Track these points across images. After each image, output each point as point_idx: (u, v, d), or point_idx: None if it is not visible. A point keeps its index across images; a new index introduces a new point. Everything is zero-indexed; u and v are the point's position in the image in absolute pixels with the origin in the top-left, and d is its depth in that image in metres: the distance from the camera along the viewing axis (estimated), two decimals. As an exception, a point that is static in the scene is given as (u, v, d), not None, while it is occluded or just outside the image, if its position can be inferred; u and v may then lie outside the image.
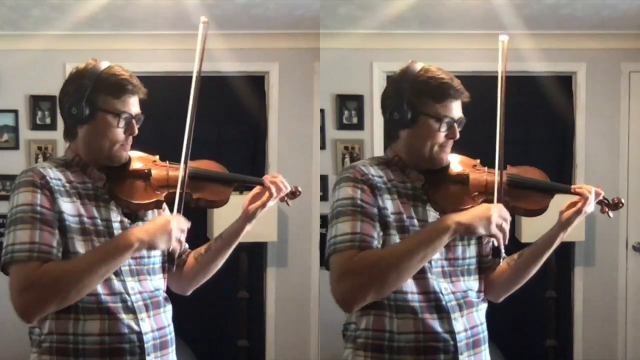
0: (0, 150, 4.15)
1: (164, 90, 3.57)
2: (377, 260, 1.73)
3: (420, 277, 1.80)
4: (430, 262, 1.81)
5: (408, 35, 4.13)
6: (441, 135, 1.85)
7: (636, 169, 4.28)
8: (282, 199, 1.99)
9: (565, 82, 4.27)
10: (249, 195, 1.98)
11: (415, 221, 1.83)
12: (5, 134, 4.16)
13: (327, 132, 4.23)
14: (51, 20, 3.87)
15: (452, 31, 4.10)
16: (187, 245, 2.07)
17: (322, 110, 4.19)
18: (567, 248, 4.19)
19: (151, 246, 1.75)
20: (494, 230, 1.75)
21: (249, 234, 2.00)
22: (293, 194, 2.00)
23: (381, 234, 1.79)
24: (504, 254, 1.94)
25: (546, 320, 4.20)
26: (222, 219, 3.59)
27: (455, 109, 1.86)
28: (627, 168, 4.28)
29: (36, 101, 4.15)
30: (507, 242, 1.80)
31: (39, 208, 1.72)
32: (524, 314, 4.28)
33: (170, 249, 1.80)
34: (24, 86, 4.16)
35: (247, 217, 1.95)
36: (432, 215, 1.86)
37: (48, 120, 4.16)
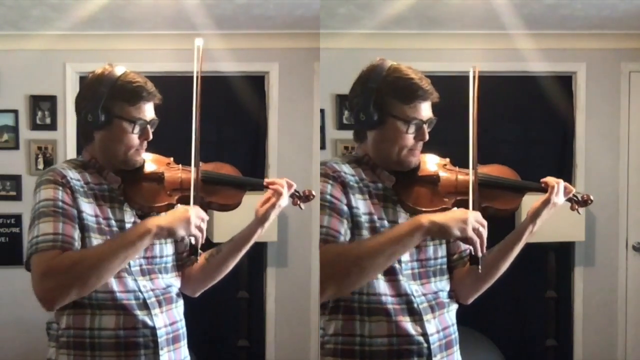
0: (0, 150, 4.16)
1: (164, 90, 3.54)
2: None
3: (392, 279, 1.77)
4: (400, 264, 1.78)
5: (408, 35, 4.12)
6: (409, 138, 1.81)
7: (636, 169, 4.28)
8: (294, 203, 1.98)
9: (565, 82, 4.27)
10: (262, 199, 1.97)
11: (386, 222, 1.79)
12: (5, 134, 4.16)
13: (327, 132, 4.23)
14: (51, 20, 3.87)
15: (452, 31, 4.09)
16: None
17: (322, 110, 4.19)
18: (567, 248, 4.15)
19: (170, 233, 1.76)
20: (471, 233, 1.67)
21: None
22: (307, 198, 1.98)
23: (349, 233, 1.74)
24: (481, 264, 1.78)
25: (546, 320, 4.20)
26: (222, 220, 3.59)
27: (424, 110, 1.81)
28: (627, 168, 4.27)
29: (36, 101, 4.15)
30: (484, 251, 1.72)
31: (60, 203, 1.76)
32: (524, 314, 4.29)
33: (191, 237, 1.81)
34: (24, 86, 4.16)
35: (258, 220, 1.95)
36: (403, 216, 1.82)
37: (48, 120, 4.16)
